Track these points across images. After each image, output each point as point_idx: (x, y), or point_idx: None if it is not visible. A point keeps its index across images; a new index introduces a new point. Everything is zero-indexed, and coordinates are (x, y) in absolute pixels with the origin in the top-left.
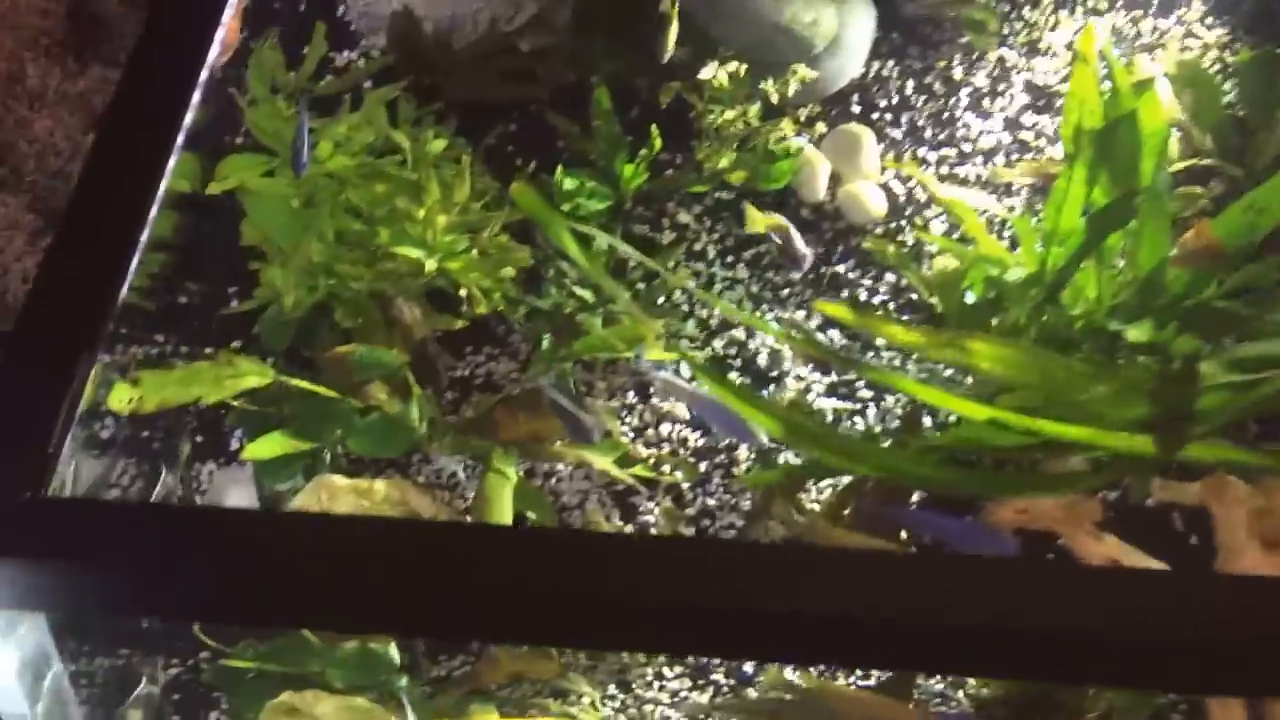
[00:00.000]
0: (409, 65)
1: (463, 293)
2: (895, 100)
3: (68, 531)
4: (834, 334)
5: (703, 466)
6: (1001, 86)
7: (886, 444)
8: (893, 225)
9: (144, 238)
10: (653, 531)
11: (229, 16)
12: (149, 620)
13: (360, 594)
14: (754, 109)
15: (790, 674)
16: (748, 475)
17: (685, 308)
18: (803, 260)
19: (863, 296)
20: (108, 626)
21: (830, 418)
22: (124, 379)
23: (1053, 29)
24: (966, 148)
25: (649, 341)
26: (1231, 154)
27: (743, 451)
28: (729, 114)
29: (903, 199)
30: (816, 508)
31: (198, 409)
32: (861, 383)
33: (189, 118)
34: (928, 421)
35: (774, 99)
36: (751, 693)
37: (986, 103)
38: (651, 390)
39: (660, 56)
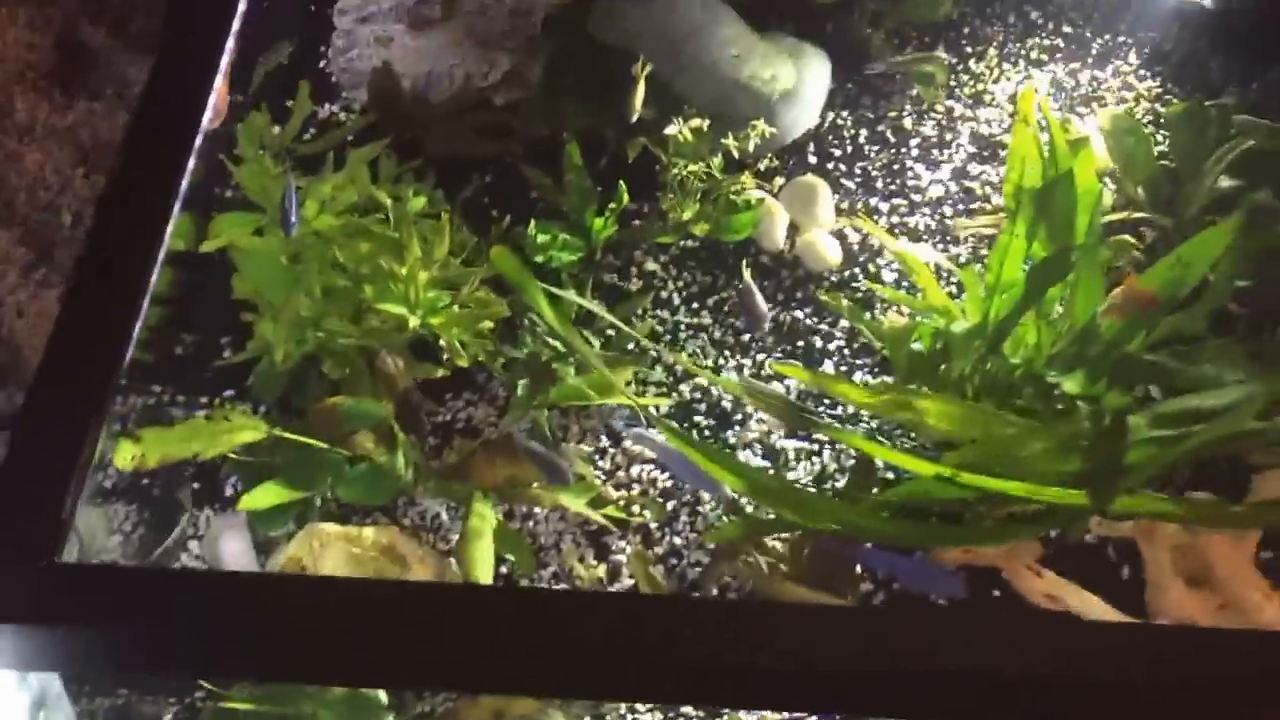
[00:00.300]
0: (388, 119)
1: (443, 342)
2: (849, 150)
3: (82, 598)
4: (793, 382)
5: (670, 506)
6: (949, 137)
7: (839, 499)
8: (848, 273)
9: (145, 302)
10: (624, 570)
11: (219, 83)
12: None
13: (355, 652)
14: (716, 161)
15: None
16: (711, 532)
17: (654, 353)
18: (763, 320)
19: (819, 343)
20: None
21: (792, 455)
22: (127, 436)
23: (996, 81)
24: (916, 197)
25: (619, 389)
26: (1163, 203)
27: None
28: (693, 167)
29: (857, 247)
30: (779, 546)
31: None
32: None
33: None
34: (881, 462)
35: (735, 154)
36: None
37: (936, 153)
38: (624, 440)
39: (628, 118)
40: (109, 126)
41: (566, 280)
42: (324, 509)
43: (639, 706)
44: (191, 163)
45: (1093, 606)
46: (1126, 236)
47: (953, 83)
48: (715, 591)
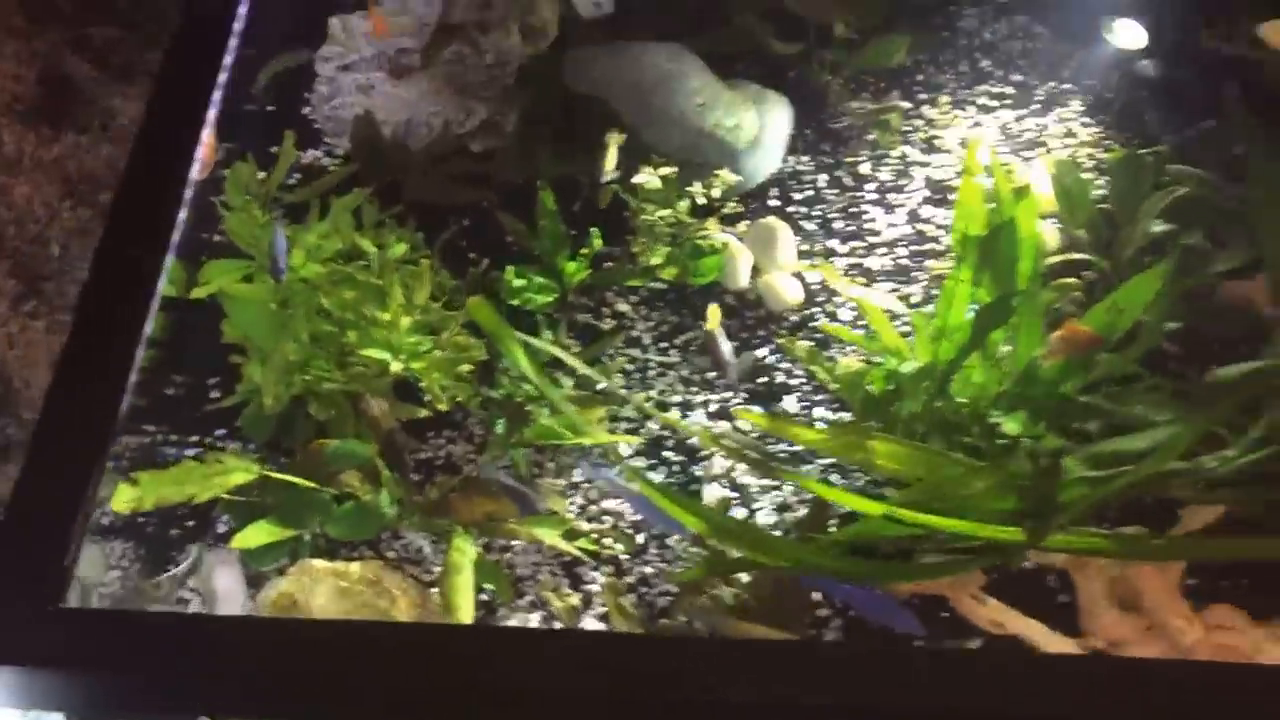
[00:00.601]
0: (370, 166)
1: (424, 384)
2: (809, 194)
3: (87, 642)
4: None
5: (640, 538)
6: (904, 181)
7: (796, 537)
8: (809, 312)
9: (141, 350)
10: (596, 600)
11: (207, 135)
12: None
13: (353, 692)
14: (683, 205)
15: None
16: (677, 574)
17: (624, 391)
18: (729, 369)
19: (782, 379)
20: None
21: (756, 488)
22: (125, 480)
23: (948, 126)
24: (873, 239)
25: (590, 430)
26: (1102, 245)
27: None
28: (661, 212)
29: (817, 287)
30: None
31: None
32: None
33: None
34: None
35: (701, 200)
36: None
37: (891, 196)
38: (595, 487)
39: (600, 177)
40: (94, 159)
41: (541, 321)
42: (313, 542)
43: None
44: (182, 214)
45: (1034, 631)
46: (1069, 279)
47: (908, 128)
48: (683, 619)
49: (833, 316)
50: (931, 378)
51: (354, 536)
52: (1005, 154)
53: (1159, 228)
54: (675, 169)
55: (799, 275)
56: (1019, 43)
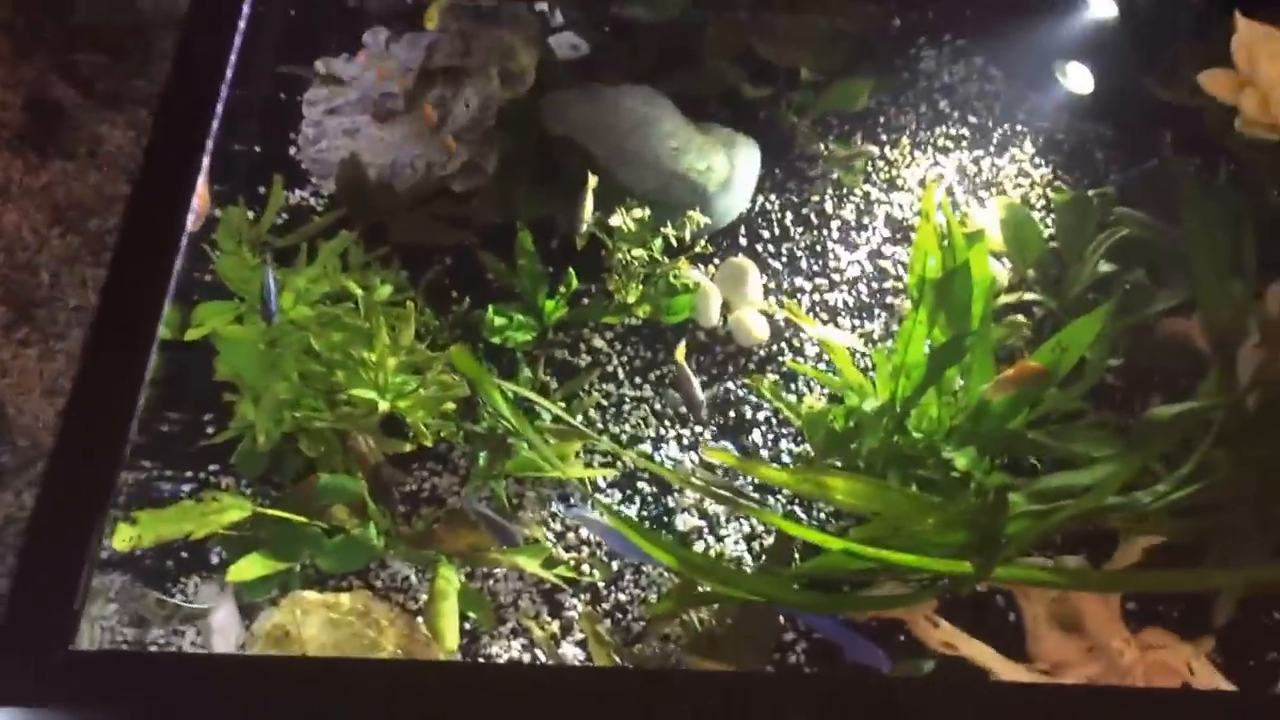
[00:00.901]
0: (356, 207)
1: (410, 420)
2: (777, 233)
3: (98, 682)
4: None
5: (615, 565)
6: (866, 220)
7: (760, 571)
8: (776, 347)
9: (141, 397)
10: (575, 626)
11: (201, 184)
12: None
13: None
14: (657, 244)
15: None
16: (651, 606)
17: (600, 425)
18: (699, 408)
19: (750, 414)
20: None
21: (724, 519)
22: (124, 520)
23: (909, 166)
24: (836, 276)
25: (566, 464)
26: (1051, 283)
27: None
28: (636, 252)
29: (784, 323)
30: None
31: None
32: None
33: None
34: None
35: (673, 241)
36: None
37: (854, 235)
38: (571, 522)
39: (577, 229)
40: (82, 185)
41: (521, 359)
42: (304, 573)
43: None
44: (177, 264)
45: (982, 653)
46: (1019, 316)
47: (870, 169)
48: (656, 646)
49: (799, 352)
50: (891, 414)
51: (343, 569)
52: (962, 194)
53: (1104, 267)
54: (649, 210)
55: (766, 313)
56: (975, 84)
